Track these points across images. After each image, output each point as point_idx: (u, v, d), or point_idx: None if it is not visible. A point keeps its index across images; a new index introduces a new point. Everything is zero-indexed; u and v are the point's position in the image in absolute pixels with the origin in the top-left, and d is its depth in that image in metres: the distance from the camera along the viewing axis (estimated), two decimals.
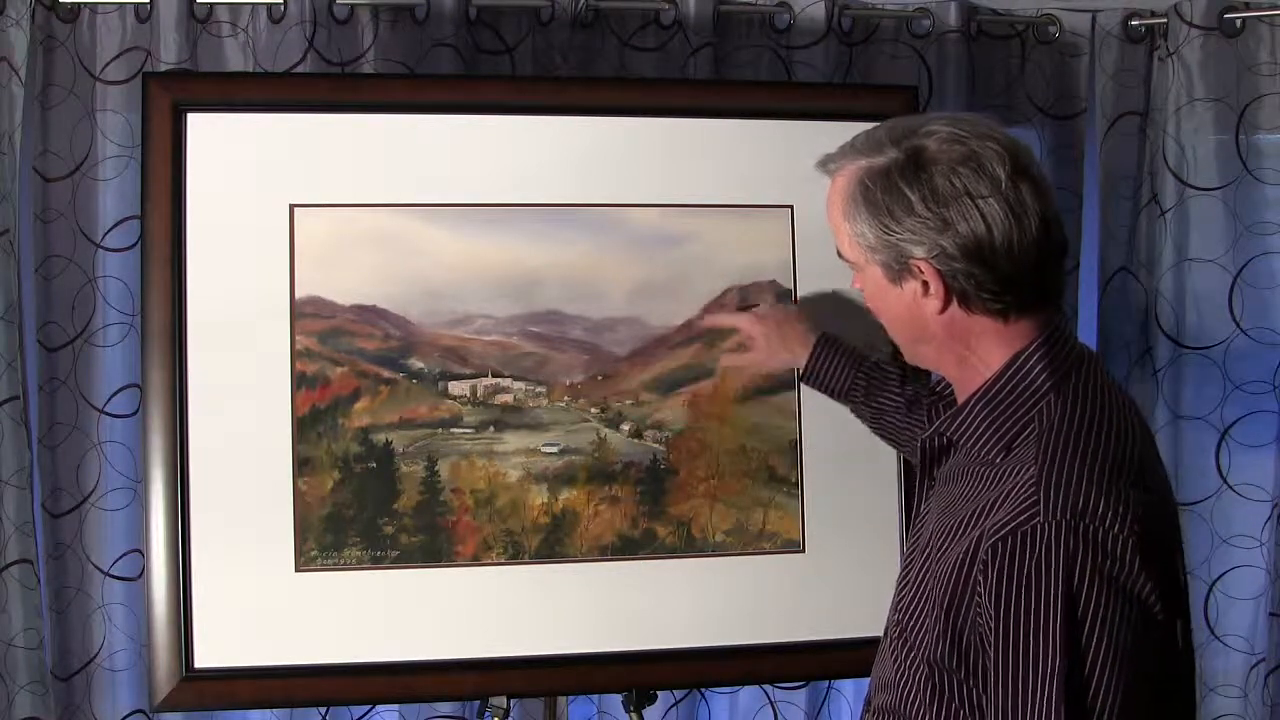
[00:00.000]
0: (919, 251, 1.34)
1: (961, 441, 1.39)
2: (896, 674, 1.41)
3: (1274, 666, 2.52)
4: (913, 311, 1.39)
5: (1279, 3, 2.48)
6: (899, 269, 1.36)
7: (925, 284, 1.36)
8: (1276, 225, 2.52)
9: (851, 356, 1.91)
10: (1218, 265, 2.50)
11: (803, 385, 2.01)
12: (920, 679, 1.36)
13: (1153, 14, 2.54)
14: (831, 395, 1.93)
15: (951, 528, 1.34)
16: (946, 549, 1.33)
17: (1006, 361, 1.37)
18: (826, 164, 1.44)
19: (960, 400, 1.43)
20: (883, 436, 1.93)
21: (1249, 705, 2.52)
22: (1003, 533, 1.26)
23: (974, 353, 1.39)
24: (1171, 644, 1.31)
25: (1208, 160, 2.50)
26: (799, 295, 2.06)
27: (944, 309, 1.36)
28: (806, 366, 1.93)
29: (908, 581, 1.41)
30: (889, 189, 1.34)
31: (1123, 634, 1.22)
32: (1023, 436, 1.34)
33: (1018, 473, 1.30)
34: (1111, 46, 2.54)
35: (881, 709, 1.44)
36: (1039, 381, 1.35)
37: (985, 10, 2.54)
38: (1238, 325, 2.51)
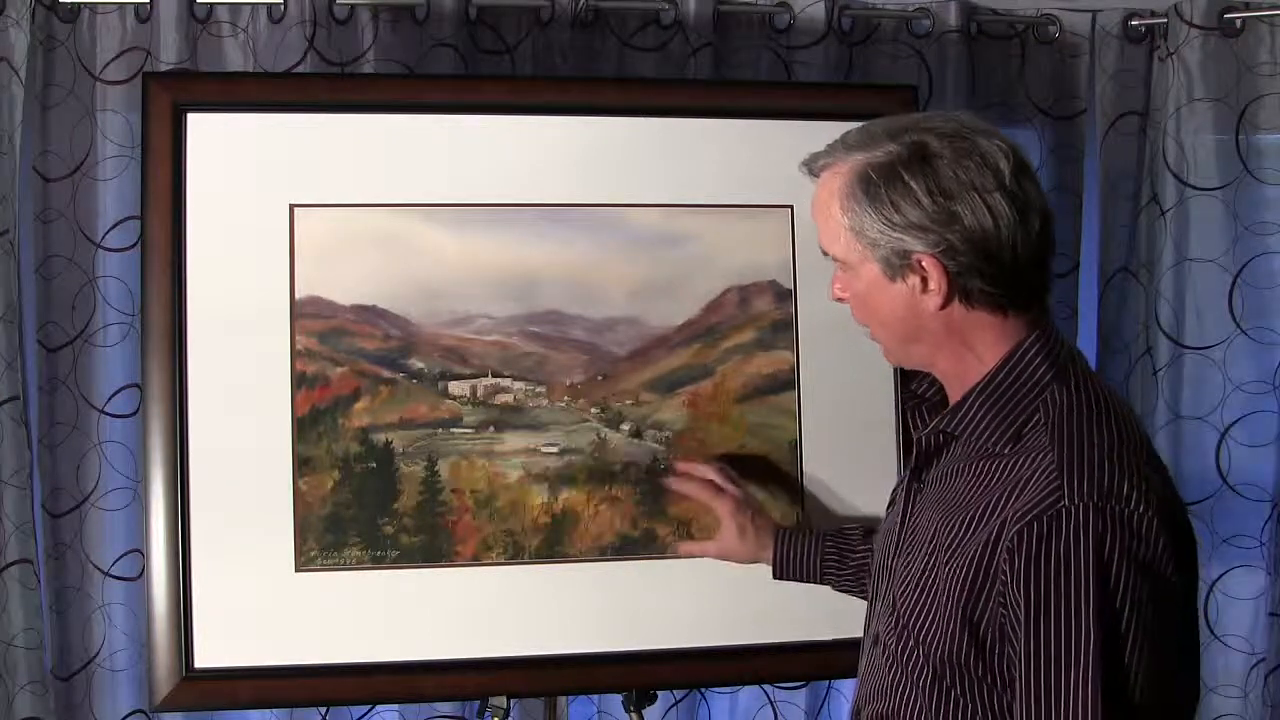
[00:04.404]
0: (922, 246, 1.34)
1: (964, 435, 1.39)
2: (893, 681, 1.39)
3: (1274, 666, 2.52)
4: (909, 309, 1.38)
5: (1279, 2, 2.48)
6: (899, 264, 1.36)
7: (924, 279, 1.36)
8: (1276, 225, 2.52)
9: (812, 534, 1.90)
10: (1218, 265, 2.50)
11: (802, 388, 2.01)
12: (925, 683, 1.35)
13: (1153, 14, 2.54)
14: (809, 578, 1.89)
15: (962, 522, 1.34)
16: (959, 544, 1.33)
17: (1005, 355, 1.38)
18: (814, 161, 1.44)
19: (954, 397, 1.43)
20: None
21: (1249, 705, 2.51)
22: (1028, 518, 1.26)
23: (971, 349, 1.39)
24: (1188, 622, 1.33)
25: (1208, 160, 2.50)
26: (799, 296, 2.06)
27: (944, 305, 1.36)
28: (776, 558, 1.89)
29: (906, 584, 1.40)
30: (893, 182, 1.34)
31: (1151, 612, 1.24)
32: (1031, 425, 1.34)
33: (1034, 460, 1.31)
34: (1111, 46, 2.54)
35: (878, 717, 1.43)
36: (1040, 372, 1.36)
37: (985, 10, 2.54)
38: (1238, 325, 2.51)
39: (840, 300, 1.47)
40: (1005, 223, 1.32)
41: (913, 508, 1.46)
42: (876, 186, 1.35)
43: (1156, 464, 1.35)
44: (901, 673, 1.38)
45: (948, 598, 1.32)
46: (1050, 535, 1.25)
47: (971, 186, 1.32)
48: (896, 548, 1.46)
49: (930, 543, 1.38)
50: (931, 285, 1.35)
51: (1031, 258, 1.36)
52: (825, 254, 1.45)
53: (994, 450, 1.36)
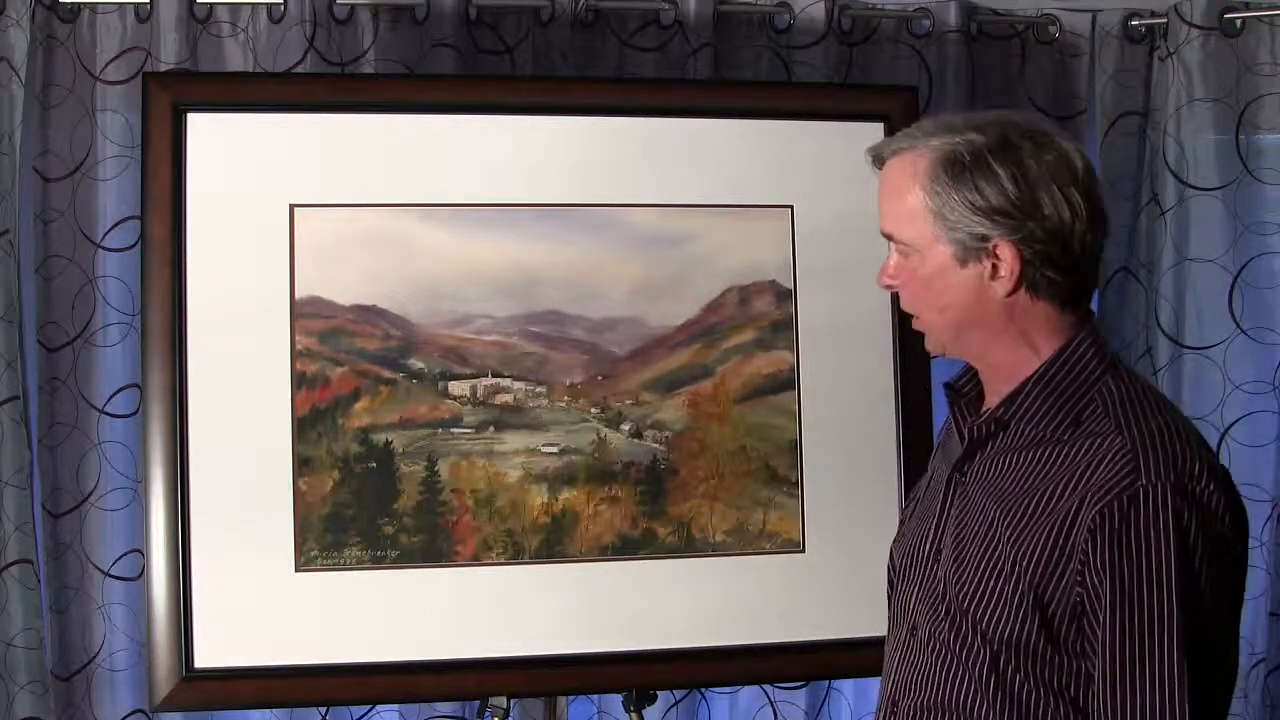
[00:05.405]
0: (1000, 232, 1.36)
1: (1018, 423, 1.41)
2: (943, 669, 1.41)
3: (1274, 666, 2.52)
4: (975, 295, 1.40)
5: (1279, 2, 2.48)
6: (973, 248, 1.38)
7: (995, 266, 1.38)
8: (1276, 225, 2.52)
9: None
10: (1218, 265, 2.50)
11: (802, 388, 2.00)
12: (981, 667, 1.37)
13: (1153, 14, 2.54)
14: None
15: (1028, 506, 1.36)
16: (1026, 526, 1.35)
17: (1060, 347, 1.41)
18: (885, 148, 1.45)
19: (999, 389, 1.44)
20: None
21: (1249, 705, 2.51)
22: (1107, 498, 1.30)
23: (1028, 340, 1.42)
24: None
25: (1208, 160, 2.49)
26: (799, 296, 2.06)
27: (1011, 292, 1.39)
28: None
29: (962, 573, 1.41)
30: (980, 167, 1.37)
31: (1225, 586, 1.31)
32: (1089, 412, 1.38)
33: (1101, 443, 1.34)
34: (1111, 46, 2.54)
35: (923, 707, 1.43)
36: (1092, 365, 1.40)
37: (985, 10, 2.54)
38: (1238, 325, 2.51)
39: (889, 287, 1.48)
40: (1080, 218, 1.37)
41: (954, 499, 1.47)
42: (965, 169, 1.37)
43: (1208, 448, 1.39)
44: (954, 660, 1.40)
45: (1016, 580, 1.35)
46: (1131, 513, 1.29)
47: (1053, 179, 1.36)
48: (936, 539, 1.47)
49: (987, 529, 1.40)
50: (1003, 272, 1.38)
51: (1093, 255, 1.40)
52: (887, 237, 1.46)
53: (1053, 436, 1.39)
